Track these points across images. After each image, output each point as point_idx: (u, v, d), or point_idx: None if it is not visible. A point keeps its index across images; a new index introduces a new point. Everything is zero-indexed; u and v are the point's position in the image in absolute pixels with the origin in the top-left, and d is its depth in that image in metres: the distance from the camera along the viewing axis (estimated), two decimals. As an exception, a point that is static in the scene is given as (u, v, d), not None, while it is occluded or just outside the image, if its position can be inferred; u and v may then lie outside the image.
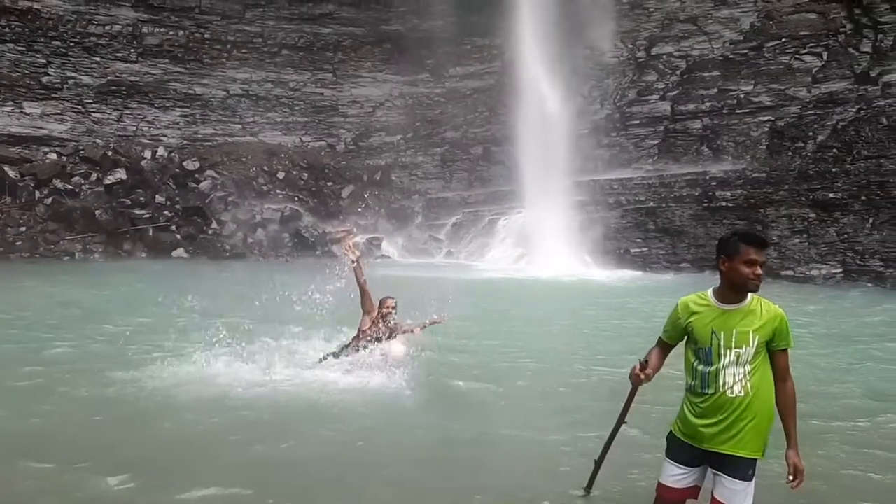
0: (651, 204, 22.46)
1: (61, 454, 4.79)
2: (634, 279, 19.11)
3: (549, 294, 15.94)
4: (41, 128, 25.82)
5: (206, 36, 28.62)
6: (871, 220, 19.16)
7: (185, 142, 27.64)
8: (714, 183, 22.08)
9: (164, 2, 27.94)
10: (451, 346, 8.20)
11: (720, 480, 3.16)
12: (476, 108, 28.76)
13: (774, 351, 3.13)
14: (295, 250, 24.13)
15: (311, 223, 25.34)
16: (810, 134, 22.09)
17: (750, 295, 3.13)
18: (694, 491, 3.26)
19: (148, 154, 26.04)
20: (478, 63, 29.21)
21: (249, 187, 25.87)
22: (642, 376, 3.30)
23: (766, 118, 23.35)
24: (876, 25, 22.72)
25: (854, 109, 21.58)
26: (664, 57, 26.14)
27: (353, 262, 7.16)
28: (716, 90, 24.54)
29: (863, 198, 19.45)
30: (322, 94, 29.64)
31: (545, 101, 24.73)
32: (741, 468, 3.11)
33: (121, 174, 24.68)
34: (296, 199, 26.23)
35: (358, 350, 7.19)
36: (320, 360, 7.26)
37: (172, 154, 26.48)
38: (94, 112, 26.86)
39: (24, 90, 25.70)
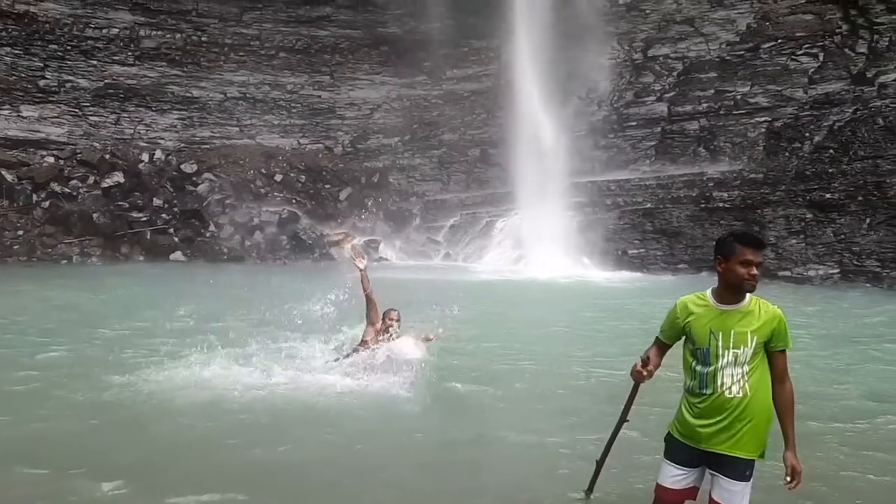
0: (648, 205, 22.48)
1: (57, 459, 4.76)
2: (632, 280, 19.11)
3: (546, 296, 15.94)
4: (38, 131, 25.77)
5: (203, 39, 28.60)
6: (867, 221, 19.19)
7: (182, 145, 27.61)
8: (711, 184, 22.11)
9: (161, 5, 27.92)
10: (450, 349, 8.18)
11: (718, 481, 3.16)
12: (473, 110, 28.77)
13: (773, 352, 3.13)
14: (293, 253, 24.11)
15: (308, 226, 25.32)
16: (807, 135, 22.13)
17: (748, 295, 3.13)
18: (692, 492, 3.26)
19: (145, 157, 26.02)
20: (475, 65, 29.23)
21: (247, 190, 25.85)
22: (644, 373, 3.30)
23: (762, 119, 23.38)
24: (872, 26, 22.78)
25: (850, 110, 21.62)
26: (661, 58, 26.18)
27: (361, 270, 7.22)
28: (712, 91, 24.58)
29: (859, 198, 19.48)
30: (319, 96, 29.64)
31: (541, 103, 24.76)
32: (739, 469, 3.11)
33: (118, 177, 24.65)
34: (293, 201, 26.21)
35: (359, 351, 7.22)
36: (336, 360, 7.26)
37: (170, 157, 26.45)
38: (91, 115, 26.83)
39: (21, 94, 25.66)
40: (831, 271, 18.94)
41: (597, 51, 26.34)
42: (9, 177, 23.73)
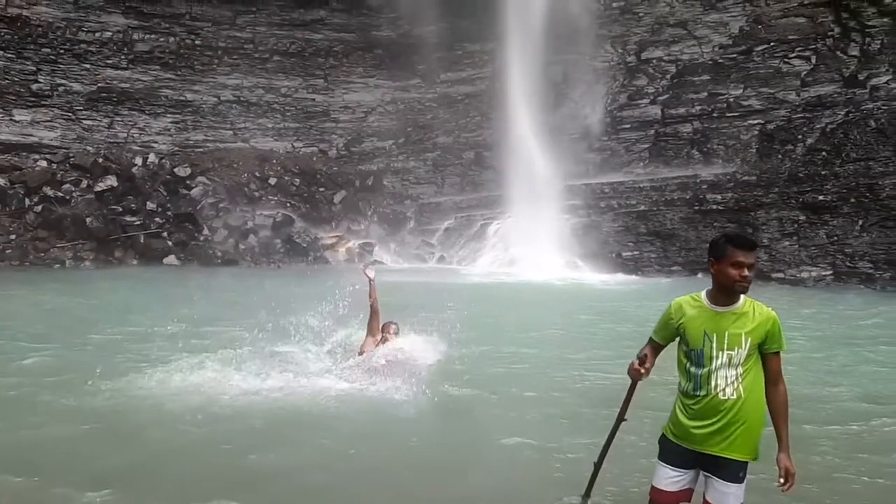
0: (642, 207, 22.53)
1: (45, 466, 4.70)
2: (627, 283, 19.14)
3: (541, 298, 15.93)
4: (31, 135, 25.65)
5: (196, 42, 28.54)
6: (860, 223, 19.28)
7: (176, 148, 27.52)
8: (705, 186, 22.18)
9: (155, 8, 27.85)
10: (445, 352, 8.15)
11: (712, 483, 3.16)
12: (468, 113, 28.79)
13: (767, 353, 3.13)
14: (287, 256, 24.04)
15: (303, 229, 25.25)
16: (799, 137, 22.23)
17: (742, 297, 3.14)
18: (687, 494, 3.25)
19: (139, 161, 25.92)
20: (469, 68, 29.26)
21: (241, 193, 25.78)
22: (642, 370, 3.29)
23: (755, 121, 23.47)
24: (863, 29, 22.91)
25: (843, 112, 21.72)
26: (654, 61, 26.26)
27: (370, 280, 7.51)
28: (706, 94, 24.67)
29: (852, 200, 19.57)
30: (314, 99, 29.61)
31: (535, 105, 24.79)
32: (733, 470, 3.11)
33: (111, 181, 24.55)
34: (288, 204, 26.15)
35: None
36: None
37: (163, 161, 26.36)
38: (84, 119, 26.72)
39: (13, 97, 25.54)
40: (824, 273, 19.01)
41: (590, 54, 26.42)
42: (1, 181, 23.61)
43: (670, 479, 3.23)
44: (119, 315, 11.50)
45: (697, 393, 3.15)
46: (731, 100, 24.06)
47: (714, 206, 21.44)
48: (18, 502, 4.19)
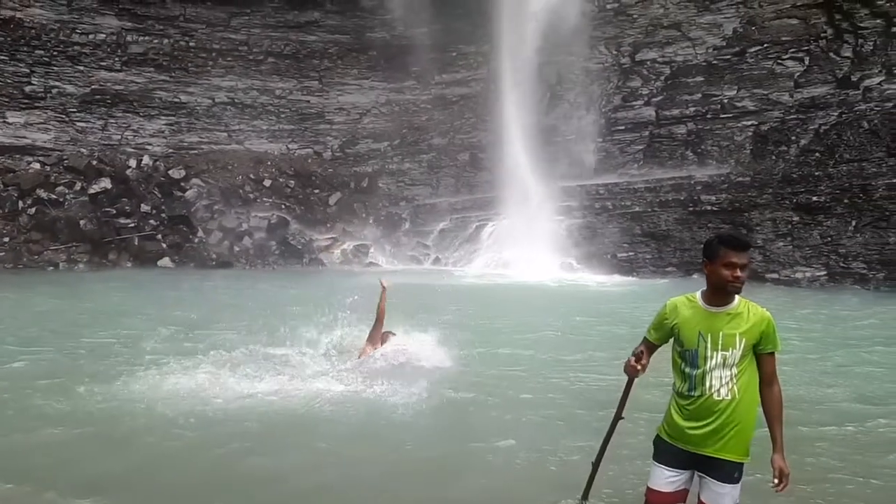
0: (637, 209, 22.57)
1: (36, 472, 4.65)
2: (622, 284, 19.16)
3: (536, 300, 15.92)
4: (24, 137, 25.52)
5: (190, 44, 28.47)
6: (853, 223, 19.35)
7: (170, 150, 27.43)
8: (699, 187, 22.24)
9: (149, 10, 27.76)
10: (441, 354, 8.13)
11: (706, 483, 3.15)
12: (462, 114, 28.79)
13: (761, 354, 3.13)
14: (282, 258, 23.99)
15: (298, 231, 25.21)
16: (793, 138, 22.31)
17: (737, 298, 3.14)
18: (683, 494, 3.25)
19: (133, 163, 25.82)
20: (463, 70, 29.27)
21: (235, 195, 25.71)
22: (639, 367, 3.29)
23: (749, 123, 23.55)
24: (856, 30, 23.02)
25: (836, 113, 21.82)
26: (648, 63, 26.32)
27: (384, 288, 7.74)
28: (700, 95, 24.74)
29: (845, 201, 19.65)
30: (308, 101, 29.57)
31: (530, 107, 24.82)
32: (727, 471, 3.11)
33: (105, 183, 24.44)
34: (282, 206, 26.09)
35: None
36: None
37: (158, 163, 26.27)
38: (78, 121, 26.61)
39: (6, 99, 25.42)
40: (818, 273, 19.08)
41: (584, 55, 26.46)
42: (-6, 183, 23.49)
43: (666, 479, 3.22)
44: (113, 318, 11.44)
45: (692, 393, 3.15)
46: (725, 101, 24.13)
47: (708, 207, 21.50)
48: (9, 508, 4.16)
